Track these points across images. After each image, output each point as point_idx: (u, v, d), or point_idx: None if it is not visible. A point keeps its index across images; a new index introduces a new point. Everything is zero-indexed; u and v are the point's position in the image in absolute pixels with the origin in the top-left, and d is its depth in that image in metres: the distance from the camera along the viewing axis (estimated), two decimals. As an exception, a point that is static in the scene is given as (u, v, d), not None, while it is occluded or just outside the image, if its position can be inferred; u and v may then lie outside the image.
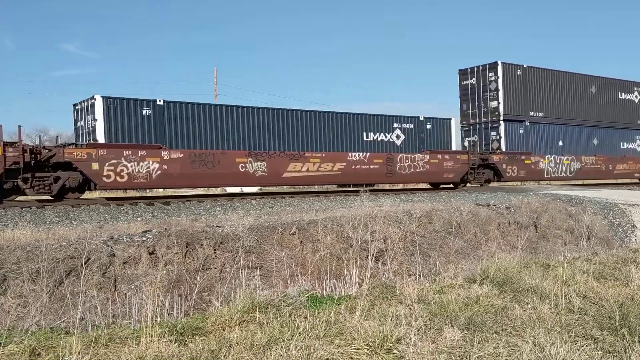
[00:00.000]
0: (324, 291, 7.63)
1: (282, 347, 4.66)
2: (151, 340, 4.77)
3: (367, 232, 9.45)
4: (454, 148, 23.21)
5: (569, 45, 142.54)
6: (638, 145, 30.19)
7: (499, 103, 24.06)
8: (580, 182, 28.26)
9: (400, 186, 25.82)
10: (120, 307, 6.91)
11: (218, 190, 25.42)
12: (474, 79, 25.04)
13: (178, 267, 7.95)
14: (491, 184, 24.27)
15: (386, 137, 21.51)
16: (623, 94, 29.44)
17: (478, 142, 24.24)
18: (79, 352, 4.48)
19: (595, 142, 27.77)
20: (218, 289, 7.59)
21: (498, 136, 24.12)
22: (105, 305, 6.80)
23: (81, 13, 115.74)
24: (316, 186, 25.71)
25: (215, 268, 8.28)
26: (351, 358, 4.59)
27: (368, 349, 4.67)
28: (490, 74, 24.61)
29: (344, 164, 19.88)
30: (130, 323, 5.81)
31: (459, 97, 25.89)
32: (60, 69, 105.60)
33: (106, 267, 7.44)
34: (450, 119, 23.41)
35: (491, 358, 4.47)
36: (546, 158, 25.33)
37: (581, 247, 12.28)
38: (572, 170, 26.43)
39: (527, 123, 24.95)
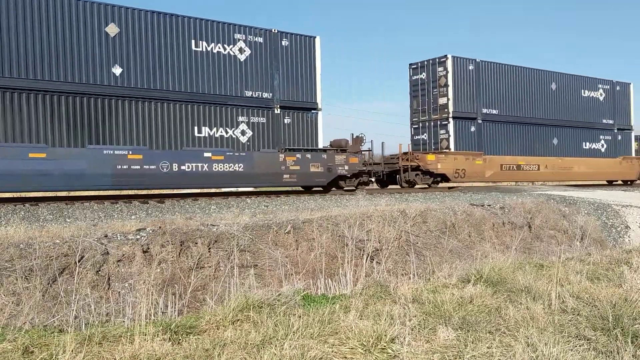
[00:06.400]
0: (319, 290, 7.64)
1: (276, 346, 4.66)
2: (145, 339, 4.76)
3: (363, 231, 9.47)
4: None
5: (530, 39, 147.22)
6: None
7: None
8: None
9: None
10: (114, 305, 6.89)
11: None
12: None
13: (172, 265, 7.93)
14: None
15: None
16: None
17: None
18: (72, 351, 4.46)
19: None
20: (212, 288, 7.58)
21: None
22: (99, 303, 6.78)
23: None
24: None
25: (210, 267, 8.27)
26: (345, 357, 4.60)
27: (362, 349, 4.67)
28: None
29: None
30: (124, 321, 5.80)
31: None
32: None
33: (100, 265, 7.42)
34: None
35: (484, 358, 4.48)
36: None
37: (575, 248, 12.34)
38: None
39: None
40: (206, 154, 16.57)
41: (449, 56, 23.23)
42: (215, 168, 16.62)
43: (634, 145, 31.19)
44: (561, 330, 5.17)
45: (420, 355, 4.57)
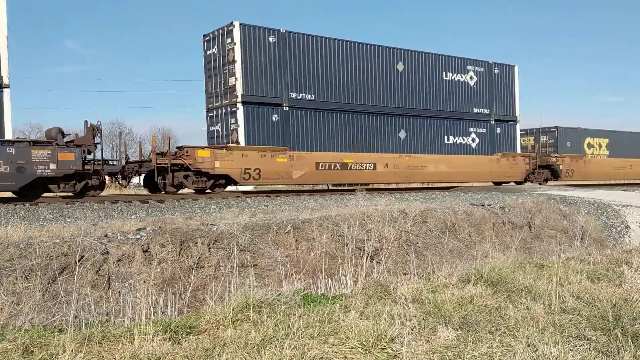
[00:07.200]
0: (319, 290, 7.63)
1: (276, 346, 4.66)
2: (145, 339, 4.76)
3: (363, 231, 9.46)
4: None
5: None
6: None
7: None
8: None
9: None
10: (114, 305, 6.88)
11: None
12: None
13: (172, 265, 7.93)
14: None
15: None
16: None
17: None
18: (72, 350, 4.46)
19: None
20: (212, 288, 7.58)
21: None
22: (99, 303, 6.78)
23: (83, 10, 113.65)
24: (311, 185, 23.57)
25: (210, 266, 8.26)
26: (345, 357, 4.59)
27: (362, 348, 4.67)
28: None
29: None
30: (124, 321, 5.79)
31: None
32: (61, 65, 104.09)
33: (100, 265, 7.41)
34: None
35: (485, 358, 4.48)
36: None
37: (575, 248, 12.33)
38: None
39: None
40: None
41: (236, 24, 18.16)
42: None
43: (519, 140, 26.15)
44: (561, 330, 5.17)
45: (420, 355, 4.56)
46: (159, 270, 7.75)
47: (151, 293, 6.25)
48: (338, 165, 20.00)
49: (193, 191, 17.83)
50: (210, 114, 19.67)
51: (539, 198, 16.42)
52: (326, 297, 6.81)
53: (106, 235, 8.04)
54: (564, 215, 14.90)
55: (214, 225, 9.11)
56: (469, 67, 23.83)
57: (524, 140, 29.73)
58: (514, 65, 25.54)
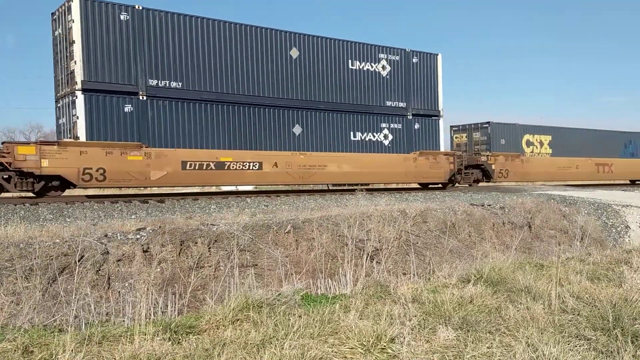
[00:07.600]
0: (319, 290, 7.64)
1: (276, 346, 4.67)
2: (145, 339, 4.76)
3: (363, 231, 9.47)
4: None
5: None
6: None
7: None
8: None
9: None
10: (114, 305, 6.89)
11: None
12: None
13: (172, 265, 7.93)
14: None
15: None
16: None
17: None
18: (72, 350, 4.47)
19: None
20: (212, 288, 7.58)
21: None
22: (98, 303, 6.78)
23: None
24: (311, 185, 21.96)
25: (210, 266, 8.26)
26: (345, 357, 4.60)
27: (362, 348, 4.67)
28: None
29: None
30: (124, 321, 5.80)
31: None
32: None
33: (100, 264, 7.42)
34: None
35: (485, 358, 4.48)
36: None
37: (575, 248, 12.33)
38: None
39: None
40: None
41: None
42: None
43: (443, 137, 23.16)
44: (561, 330, 5.17)
45: (420, 355, 4.57)
46: (159, 270, 7.75)
47: (151, 293, 6.26)
48: (212, 164, 17.06)
49: (32, 195, 15.25)
50: (58, 105, 16.72)
51: (539, 198, 16.43)
52: (326, 297, 6.81)
53: (106, 235, 8.04)
54: (564, 215, 14.91)
55: (214, 225, 9.11)
56: (381, 55, 21.01)
57: (457, 138, 27.88)
58: (437, 54, 22.65)
